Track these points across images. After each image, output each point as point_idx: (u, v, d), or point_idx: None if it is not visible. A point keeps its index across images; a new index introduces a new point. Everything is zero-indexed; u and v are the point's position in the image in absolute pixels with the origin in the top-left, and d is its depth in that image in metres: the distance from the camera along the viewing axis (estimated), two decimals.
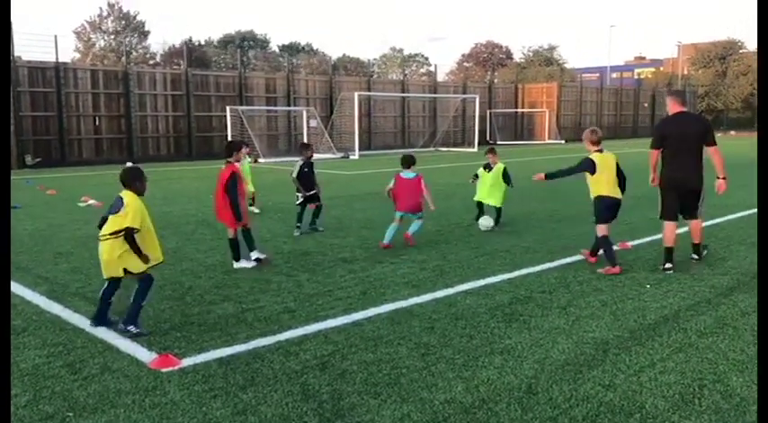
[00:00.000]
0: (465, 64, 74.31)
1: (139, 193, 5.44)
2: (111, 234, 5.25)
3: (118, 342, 5.17)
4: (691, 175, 7.44)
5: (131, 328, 5.31)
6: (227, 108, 29.14)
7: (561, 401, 4.11)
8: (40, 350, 5.01)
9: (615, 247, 8.36)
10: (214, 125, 30.39)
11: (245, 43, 61.54)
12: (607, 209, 7.53)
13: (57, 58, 26.26)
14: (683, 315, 5.85)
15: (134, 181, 5.44)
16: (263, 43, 65.91)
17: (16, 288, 6.79)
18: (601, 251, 7.67)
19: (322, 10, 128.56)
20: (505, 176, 10.54)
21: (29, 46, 25.32)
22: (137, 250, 5.26)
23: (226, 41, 61.71)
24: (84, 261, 8.08)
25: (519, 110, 46.30)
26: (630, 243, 8.89)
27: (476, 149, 34.69)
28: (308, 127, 32.13)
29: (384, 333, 5.37)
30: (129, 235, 5.21)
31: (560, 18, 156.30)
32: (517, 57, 73.26)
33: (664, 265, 7.52)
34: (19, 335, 5.35)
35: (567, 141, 42.90)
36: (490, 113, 43.03)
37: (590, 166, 7.51)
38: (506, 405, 4.06)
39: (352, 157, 30.17)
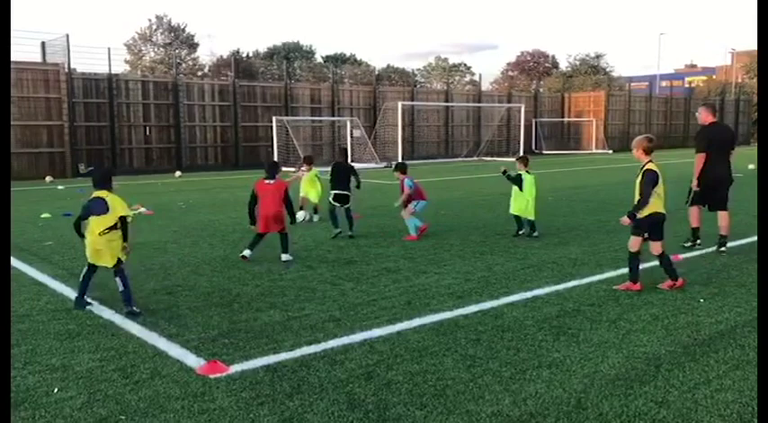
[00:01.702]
0: (510, 73, 73.80)
1: (110, 190, 6.35)
2: (108, 229, 6.14)
3: (167, 348, 5.27)
4: (727, 172, 9.09)
5: (134, 308, 6.18)
6: (273, 118, 29.59)
7: (612, 417, 4.01)
8: (94, 354, 5.14)
9: None
10: (260, 135, 30.89)
11: (291, 54, 62.37)
12: (659, 225, 6.94)
13: (110, 70, 27.12)
14: (740, 331, 5.65)
15: (109, 181, 6.42)
16: (308, 54, 66.69)
17: (70, 294, 6.99)
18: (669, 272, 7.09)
19: (366, 21, 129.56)
20: (516, 180, 10.14)
21: (83, 58, 26.18)
22: (126, 236, 6.25)
23: (272, 53, 62.62)
24: (134, 268, 8.24)
25: (565, 119, 45.71)
26: (682, 255, 8.64)
27: None
28: (352, 137, 32.38)
29: (429, 344, 5.33)
30: (124, 222, 6.22)
31: (608, 26, 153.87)
32: (563, 65, 72.42)
33: (695, 242, 9.23)
34: (74, 339, 5.51)
35: (614, 151, 42.13)
36: (536, 122, 42.60)
37: (657, 179, 6.79)
38: (555, 420, 3.98)
39: None
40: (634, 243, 6.99)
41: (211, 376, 4.65)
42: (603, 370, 4.77)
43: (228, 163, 29.97)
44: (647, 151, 6.98)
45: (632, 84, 55.53)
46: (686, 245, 9.28)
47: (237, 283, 7.48)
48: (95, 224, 6.19)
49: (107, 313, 6.24)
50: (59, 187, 20.19)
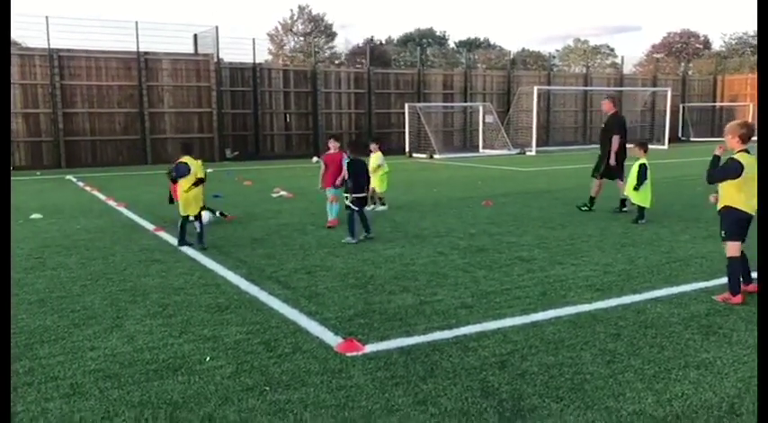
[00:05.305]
0: (655, 55, 69.39)
1: (192, 158, 8.89)
2: (193, 185, 8.73)
3: (307, 325, 5.51)
4: (625, 151, 11.53)
5: (204, 243, 8.73)
6: (406, 105, 29.85)
7: None
8: (240, 327, 5.49)
9: None
10: (392, 121, 31.31)
11: (424, 41, 62.57)
12: (738, 223, 6.11)
13: (254, 60, 28.57)
14: None
15: (191, 151, 9.15)
16: (441, 40, 66.60)
17: (219, 270, 7.51)
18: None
19: (501, 4, 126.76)
20: (639, 173, 10.27)
21: (231, 49, 27.76)
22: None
23: (405, 40, 63.20)
24: (277, 247, 8.71)
25: (717, 104, 42.37)
26: None
27: (666, 146, 32.33)
28: (484, 123, 31.98)
29: (565, 336, 5.18)
30: (201, 181, 8.87)
31: None
32: (717, 46, 66.96)
33: (590, 208, 11.40)
34: (223, 312, 5.91)
35: None
36: (683, 108, 39.86)
37: (739, 171, 6.01)
38: None
39: (528, 153, 29.52)
40: (731, 247, 6.15)
41: (348, 354, 4.81)
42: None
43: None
44: (744, 139, 6.11)
45: None
46: (583, 208, 11.43)
47: (371, 265, 7.66)
48: (187, 182, 8.73)
49: (253, 290, 6.63)
50: (208, 170, 21.58)
